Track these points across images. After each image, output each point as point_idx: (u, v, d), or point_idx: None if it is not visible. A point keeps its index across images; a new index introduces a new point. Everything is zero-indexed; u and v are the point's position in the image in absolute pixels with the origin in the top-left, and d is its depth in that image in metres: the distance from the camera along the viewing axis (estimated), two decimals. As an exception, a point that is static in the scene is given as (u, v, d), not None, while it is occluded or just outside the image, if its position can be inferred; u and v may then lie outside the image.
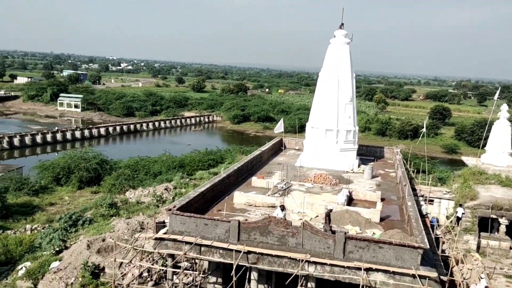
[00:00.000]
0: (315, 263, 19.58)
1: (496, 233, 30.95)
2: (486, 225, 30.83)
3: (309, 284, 20.21)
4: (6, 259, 29.31)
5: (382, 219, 24.89)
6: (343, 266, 19.18)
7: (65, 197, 47.56)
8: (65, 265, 26.35)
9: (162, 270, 25.44)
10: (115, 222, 32.04)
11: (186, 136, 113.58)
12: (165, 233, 22.04)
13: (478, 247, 30.19)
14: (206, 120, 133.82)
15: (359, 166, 38.48)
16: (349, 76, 38.03)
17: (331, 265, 19.35)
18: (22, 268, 26.73)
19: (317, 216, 25.04)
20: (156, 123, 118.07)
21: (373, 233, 22.37)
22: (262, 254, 20.46)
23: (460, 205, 31.84)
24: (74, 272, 25.71)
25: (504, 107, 39.41)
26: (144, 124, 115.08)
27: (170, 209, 22.24)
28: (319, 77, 39.11)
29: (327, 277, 19.53)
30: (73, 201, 45.81)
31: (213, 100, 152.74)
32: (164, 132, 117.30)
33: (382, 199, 28.20)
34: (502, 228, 30.51)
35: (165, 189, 44.19)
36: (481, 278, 23.33)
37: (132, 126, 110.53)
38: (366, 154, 44.49)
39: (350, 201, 28.26)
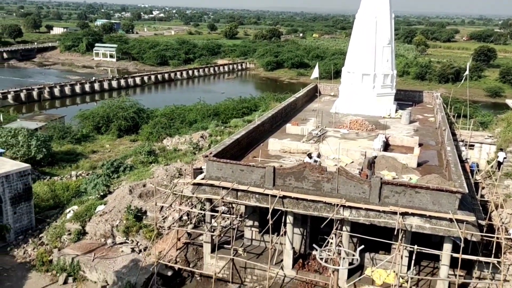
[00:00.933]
0: (350, 207, 19.75)
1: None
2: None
3: (344, 228, 20.53)
4: (55, 204, 31.18)
5: (419, 165, 24.53)
6: (378, 211, 19.27)
7: (106, 145, 49.33)
8: (110, 208, 27.77)
9: (201, 214, 26.42)
10: (154, 169, 33.14)
11: (219, 84, 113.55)
12: (202, 179, 22.65)
13: (519, 192, 29.44)
14: (239, 67, 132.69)
15: (396, 111, 37.57)
16: (388, 17, 36.27)
17: (367, 209, 19.47)
18: (70, 211, 28.39)
19: (352, 162, 24.94)
20: (190, 72, 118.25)
21: (410, 178, 22.16)
22: (297, 199, 20.78)
23: (502, 150, 30.83)
24: (119, 215, 27.11)
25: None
26: (178, 73, 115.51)
27: (207, 156, 22.69)
28: (356, 19, 37.52)
29: (362, 221, 19.72)
30: (113, 149, 47.50)
31: (245, 47, 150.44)
32: (198, 80, 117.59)
33: (420, 145, 27.64)
34: (547, 174, 29.49)
35: (201, 136, 44.95)
36: (521, 223, 22.98)
37: (166, 75, 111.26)
38: (404, 99, 43.23)
39: (386, 147, 27.87)
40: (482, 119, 51.61)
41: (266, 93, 76.38)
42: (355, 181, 19.85)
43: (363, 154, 25.31)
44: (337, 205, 19.66)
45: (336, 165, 22.41)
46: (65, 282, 23.60)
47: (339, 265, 16.79)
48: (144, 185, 30.03)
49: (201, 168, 24.89)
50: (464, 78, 54.47)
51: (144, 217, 27.32)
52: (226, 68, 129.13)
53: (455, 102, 53.12)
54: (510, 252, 21.00)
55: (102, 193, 29.99)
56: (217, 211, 24.04)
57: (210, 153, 22.87)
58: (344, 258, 18.43)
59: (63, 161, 41.32)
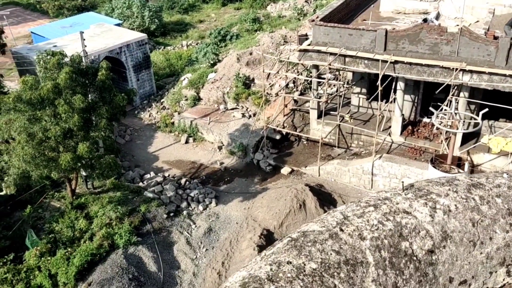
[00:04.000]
0: (471, 71, 18.18)
1: None
2: None
3: (461, 94, 19.24)
4: (171, 72, 33.47)
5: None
6: (504, 75, 17.51)
7: (211, 14, 49.77)
8: (220, 76, 29.09)
9: (307, 81, 26.49)
10: (260, 36, 33.07)
11: None
12: (309, 45, 22.18)
13: None
14: None
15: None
16: None
17: (490, 73, 17.78)
18: (184, 79, 30.38)
19: (477, 21, 22.19)
20: None
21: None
22: (410, 63, 19.60)
23: None
24: (228, 83, 28.39)
25: None
26: None
27: (313, 20, 21.84)
28: None
29: (483, 86, 18.22)
30: (219, 18, 47.85)
31: None
32: None
33: None
34: None
35: (306, 1, 42.81)
36: None
37: None
38: None
39: (521, 2, 24.03)
40: None
41: None
42: (480, 42, 17.89)
43: (491, 12, 22.26)
44: (457, 69, 18.19)
45: (457, 25, 20.18)
46: (187, 142, 26.39)
47: (457, 129, 16.13)
48: (250, 53, 30.44)
49: (306, 35, 24.21)
50: None
51: (252, 84, 28.26)
52: None
53: None
54: None
55: (212, 62, 31.22)
56: (323, 78, 23.87)
57: (317, 17, 21.92)
58: (463, 123, 17.59)
59: (173, 31, 43.03)
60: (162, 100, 29.77)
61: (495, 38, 18.05)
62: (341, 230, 1.95)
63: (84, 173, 20.63)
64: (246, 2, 50.09)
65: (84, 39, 21.74)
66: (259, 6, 47.56)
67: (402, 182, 2.26)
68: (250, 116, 26.58)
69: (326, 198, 21.26)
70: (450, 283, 1.88)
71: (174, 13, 48.87)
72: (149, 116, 28.88)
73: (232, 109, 27.47)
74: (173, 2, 50.91)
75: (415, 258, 1.87)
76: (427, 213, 2.04)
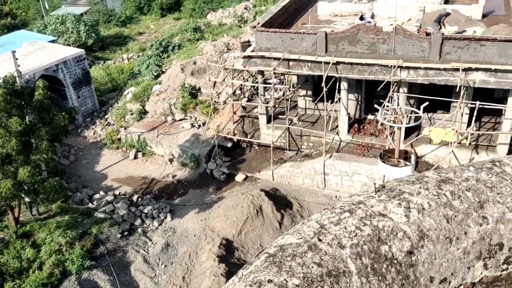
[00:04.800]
0: (408, 68, 19.01)
1: None
2: None
3: (401, 90, 20.06)
4: (113, 86, 32.48)
5: (484, 15, 22.51)
6: (439, 69, 18.45)
7: (150, 25, 48.95)
8: (165, 87, 28.57)
9: (254, 87, 26.61)
10: (202, 45, 32.89)
11: None
12: (252, 51, 22.28)
13: None
14: None
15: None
16: None
17: (426, 68, 18.68)
18: (128, 93, 29.56)
19: (409, 19, 23.28)
20: None
21: (474, 31, 20.58)
22: (351, 63, 20.19)
23: None
24: (174, 94, 27.93)
25: None
26: None
27: (254, 27, 21.98)
28: None
29: (420, 81, 19.11)
30: (159, 29, 47.15)
31: None
32: None
33: (486, -6, 25.02)
34: None
35: (245, 8, 43.20)
36: None
37: None
38: None
39: (447, -1, 25.54)
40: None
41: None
42: (413, 39, 18.76)
43: (422, 10, 23.44)
44: (394, 66, 18.95)
45: (391, 24, 21.06)
46: (136, 157, 25.63)
47: (401, 123, 16.78)
48: (194, 63, 30.19)
49: (249, 41, 24.33)
50: None
51: (198, 93, 27.99)
52: None
53: None
54: None
55: (155, 73, 30.63)
56: (269, 83, 24.06)
57: (258, 24, 22.09)
58: (405, 117, 18.33)
59: (113, 44, 41.88)
60: (106, 116, 28.77)
61: (428, 34, 19.00)
62: (320, 240, 1.89)
63: (27, 199, 19.45)
64: (186, 12, 49.75)
65: (17, 58, 20.59)
66: (198, 15, 47.39)
67: (374, 184, 2.24)
68: (199, 126, 26.28)
69: (282, 202, 21.38)
70: (431, 282, 1.87)
71: (112, 26, 47.61)
72: (94, 133, 27.82)
73: (181, 120, 27.04)
74: (110, 16, 49.59)
75: (395, 261, 1.84)
76: (402, 214, 2.02)
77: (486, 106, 18.77)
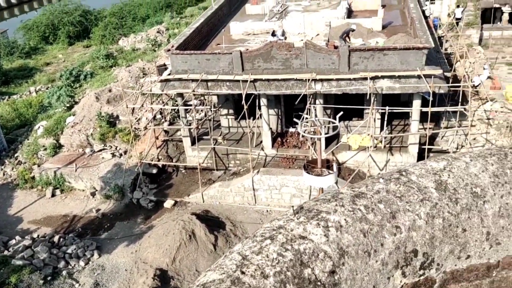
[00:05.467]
0: (322, 80, 19.88)
1: (498, 23, 30.47)
2: (489, 17, 30.18)
3: (317, 101, 20.89)
4: (21, 122, 30.26)
5: (384, 27, 24.30)
6: (349, 79, 19.51)
7: (58, 55, 46.60)
8: (80, 118, 27.21)
9: (174, 110, 26.25)
10: (117, 72, 31.92)
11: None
12: (169, 74, 22.04)
13: (481, 40, 30.09)
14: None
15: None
16: None
17: (337, 79, 19.66)
18: (39, 127, 27.72)
19: (317, 34, 24.46)
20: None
21: (377, 42, 22.10)
22: (268, 80, 20.68)
23: (458, 6, 30.73)
24: (91, 124, 26.68)
25: None
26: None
27: (169, 50, 21.79)
28: None
29: (334, 91, 20.04)
30: (67, 58, 45.03)
31: None
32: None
33: (383, 6, 27.02)
34: (505, 17, 29.87)
35: (158, 32, 42.73)
36: (484, 68, 23.82)
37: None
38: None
39: (350, 13, 27.22)
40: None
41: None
42: (323, 53, 19.70)
43: (328, 25, 24.76)
44: (308, 80, 19.72)
45: (302, 40, 21.97)
46: (53, 195, 23.98)
47: (320, 134, 17.42)
48: (110, 90, 29.16)
49: (164, 64, 24.05)
50: None
51: (117, 121, 27.01)
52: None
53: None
54: (474, 99, 22.08)
55: (68, 104, 29.11)
56: (190, 105, 23.87)
57: (172, 47, 21.93)
58: (324, 127, 19.09)
59: (17, 78, 39.18)
60: (16, 155, 26.69)
61: (335, 47, 20.07)
62: (242, 272, 1.84)
63: None
64: (95, 39, 48.09)
65: None
66: (110, 41, 46.02)
67: (292, 206, 2.24)
68: (121, 155, 25.29)
69: (214, 223, 21.11)
70: (355, 298, 1.90)
71: (15, 58, 44.64)
72: (3, 174, 25.64)
73: (100, 150, 25.84)
74: (12, 47, 46.53)
75: (319, 283, 1.84)
76: (322, 234, 2.04)
77: (395, 110, 20.17)
